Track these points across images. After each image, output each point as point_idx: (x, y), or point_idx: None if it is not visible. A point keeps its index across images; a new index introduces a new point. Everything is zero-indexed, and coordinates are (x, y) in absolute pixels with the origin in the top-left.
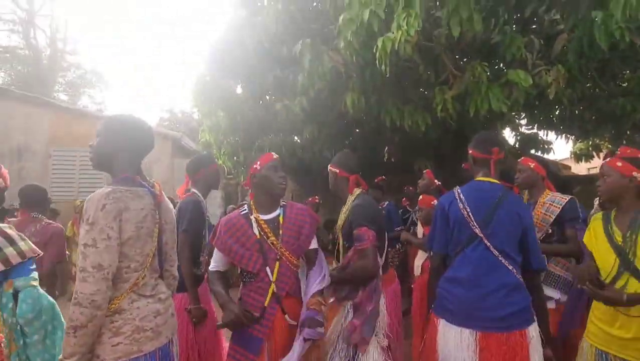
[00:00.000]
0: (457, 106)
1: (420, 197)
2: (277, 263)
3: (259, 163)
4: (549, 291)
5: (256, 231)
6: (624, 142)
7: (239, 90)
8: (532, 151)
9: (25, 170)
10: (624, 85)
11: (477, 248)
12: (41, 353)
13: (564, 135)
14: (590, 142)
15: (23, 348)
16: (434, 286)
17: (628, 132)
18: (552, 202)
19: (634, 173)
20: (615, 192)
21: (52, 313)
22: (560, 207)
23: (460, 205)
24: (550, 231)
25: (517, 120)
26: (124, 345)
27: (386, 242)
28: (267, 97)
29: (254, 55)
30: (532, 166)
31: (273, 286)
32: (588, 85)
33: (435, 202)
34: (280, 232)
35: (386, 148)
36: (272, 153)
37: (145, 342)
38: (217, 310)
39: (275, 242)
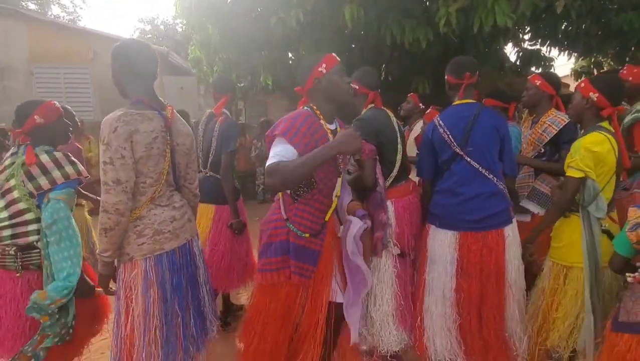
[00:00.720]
0: (461, 20)
1: (428, 110)
2: (341, 176)
3: (324, 65)
4: (530, 206)
5: (330, 138)
6: (627, 59)
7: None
8: (533, 68)
9: (9, 89)
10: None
11: (460, 164)
12: (57, 251)
13: (566, 52)
14: (593, 59)
15: (46, 245)
16: (425, 205)
17: (633, 49)
18: (551, 123)
19: (591, 94)
20: (575, 111)
21: (66, 224)
22: (558, 129)
23: (441, 130)
24: (542, 150)
25: (520, 36)
26: (147, 245)
27: (399, 155)
28: (260, 10)
29: None
30: (538, 84)
31: (336, 200)
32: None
33: None
34: None
35: (384, 66)
36: (334, 55)
37: (166, 242)
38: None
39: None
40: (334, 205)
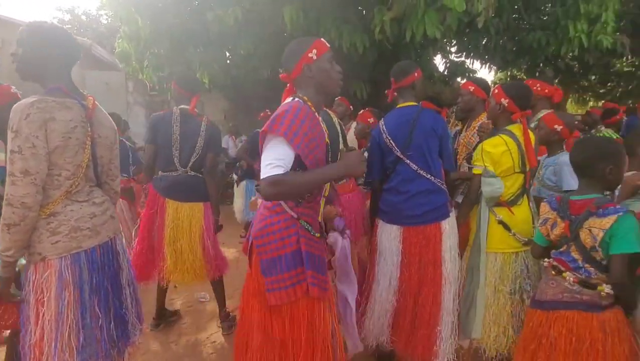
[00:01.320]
0: (395, 29)
1: (361, 111)
2: None
3: (314, 51)
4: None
5: (326, 134)
6: (537, 73)
7: None
8: (459, 79)
9: None
10: (544, 19)
11: (403, 165)
12: None
13: (487, 65)
14: (509, 72)
15: None
16: (375, 204)
17: (541, 64)
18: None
19: (502, 100)
20: (490, 115)
21: None
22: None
23: (384, 136)
24: (472, 154)
25: (448, 48)
26: (62, 243)
27: (341, 154)
28: (197, 3)
29: None
30: (471, 90)
31: (323, 200)
32: (514, 16)
33: (371, 119)
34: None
35: None
36: (324, 41)
37: (84, 240)
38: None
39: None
40: (322, 206)
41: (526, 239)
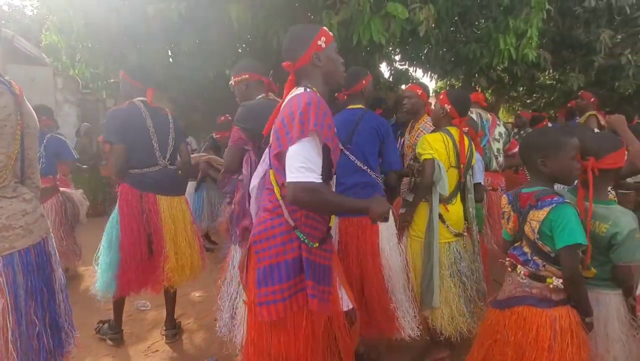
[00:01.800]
0: (342, 33)
1: None
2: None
3: (323, 39)
4: (410, 197)
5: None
6: (472, 83)
7: None
8: (403, 86)
9: None
10: (478, 32)
11: (342, 158)
12: None
13: (429, 73)
14: (448, 82)
15: None
16: None
17: (476, 75)
18: (423, 129)
19: (445, 105)
20: (434, 117)
21: None
22: (426, 133)
23: None
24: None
25: (392, 55)
26: None
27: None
28: None
29: None
30: (419, 93)
31: None
32: (452, 28)
33: None
34: None
35: (272, 72)
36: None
37: (17, 239)
38: None
39: None
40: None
41: (457, 232)
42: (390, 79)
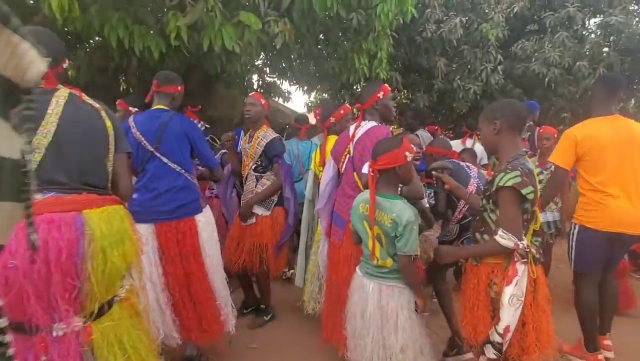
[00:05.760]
0: (196, 38)
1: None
2: None
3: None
4: (257, 209)
5: None
6: (338, 97)
7: None
8: (276, 99)
9: None
10: (338, 50)
11: (154, 162)
12: None
13: (298, 87)
14: (319, 96)
15: None
16: None
17: (342, 91)
18: (263, 137)
19: (316, 117)
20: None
21: None
22: (266, 142)
23: (134, 131)
24: (259, 162)
25: (254, 64)
26: None
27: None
28: None
29: None
30: (263, 102)
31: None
32: (319, 46)
33: None
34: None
35: (122, 76)
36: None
37: None
38: None
39: None
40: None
41: None
42: (261, 91)
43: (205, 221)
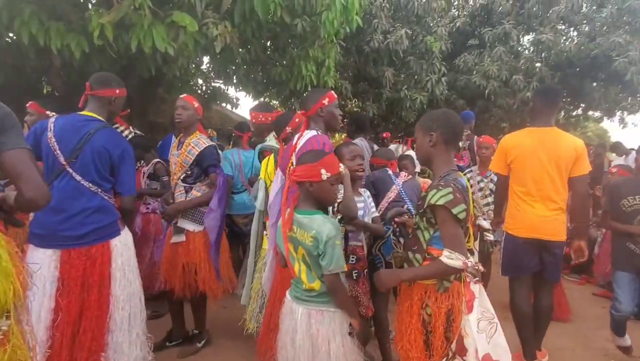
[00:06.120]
0: (125, 38)
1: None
2: None
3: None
4: (186, 225)
5: None
6: (289, 103)
7: None
8: (224, 105)
9: None
10: (286, 56)
11: (64, 179)
12: None
13: (245, 93)
14: (269, 102)
15: None
16: None
17: (293, 99)
18: (194, 145)
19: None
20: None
21: None
22: (199, 150)
23: (50, 135)
24: (189, 172)
25: (199, 68)
26: None
27: None
28: None
29: None
30: (195, 106)
31: None
32: (267, 52)
33: None
34: None
35: (44, 77)
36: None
37: None
38: None
39: None
40: None
41: None
42: (205, 96)
43: (122, 245)
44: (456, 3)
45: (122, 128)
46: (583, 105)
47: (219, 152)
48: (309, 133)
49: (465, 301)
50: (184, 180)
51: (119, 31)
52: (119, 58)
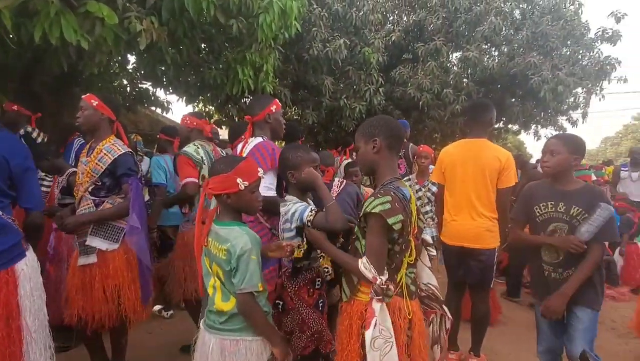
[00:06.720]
0: (29, 27)
1: None
2: None
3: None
4: (96, 242)
5: None
6: (227, 110)
7: None
8: (153, 108)
9: None
10: (220, 59)
11: None
12: None
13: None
14: (205, 107)
15: None
16: None
17: (230, 105)
18: (107, 152)
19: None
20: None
21: None
22: (113, 158)
23: None
24: (99, 183)
25: (124, 67)
26: None
27: None
28: None
29: None
30: (94, 104)
31: None
32: (201, 54)
33: None
34: None
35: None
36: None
37: None
38: None
39: None
40: None
41: None
42: (131, 98)
43: (30, 268)
44: (391, 18)
45: (35, 133)
46: (504, 119)
47: (148, 159)
48: (255, 140)
49: (366, 319)
50: (92, 193)
51: (21, 19)
52: (22, 50)
